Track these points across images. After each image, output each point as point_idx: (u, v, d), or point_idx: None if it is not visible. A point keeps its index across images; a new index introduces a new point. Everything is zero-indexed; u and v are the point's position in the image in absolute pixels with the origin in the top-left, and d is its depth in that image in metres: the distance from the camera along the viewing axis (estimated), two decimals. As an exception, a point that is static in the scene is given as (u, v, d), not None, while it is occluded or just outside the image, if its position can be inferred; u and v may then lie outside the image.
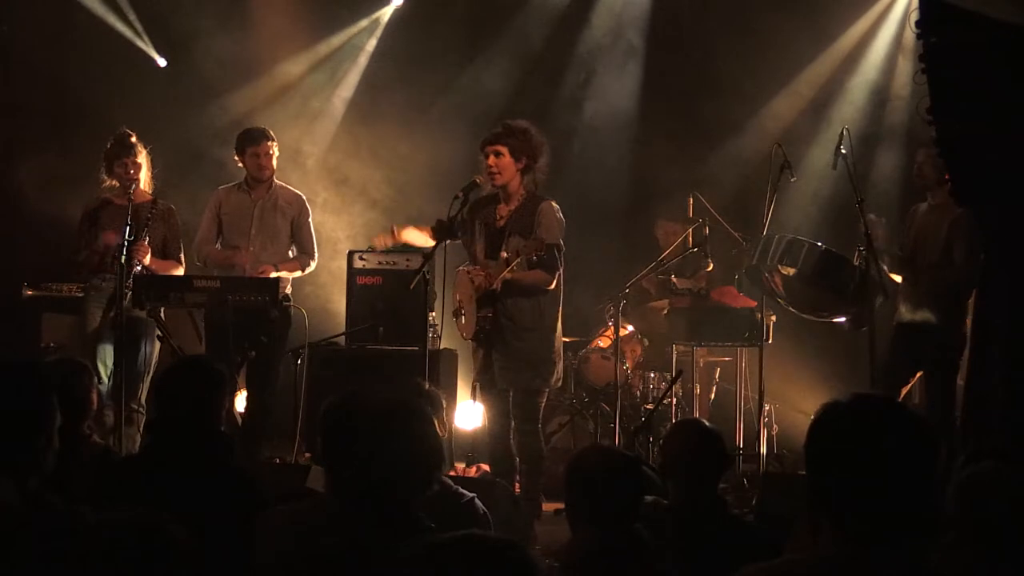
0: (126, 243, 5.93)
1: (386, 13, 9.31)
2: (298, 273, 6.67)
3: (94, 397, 4.29)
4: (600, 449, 3.46)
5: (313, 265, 6.75)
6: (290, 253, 6.67)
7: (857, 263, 5.85)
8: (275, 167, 6.65)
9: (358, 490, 2.67)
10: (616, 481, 3.10)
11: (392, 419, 2.70)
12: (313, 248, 6.71)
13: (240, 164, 6.64)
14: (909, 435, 2.01)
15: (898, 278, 6.14)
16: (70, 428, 3.06)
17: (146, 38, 8.90)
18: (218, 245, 6.64)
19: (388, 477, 2.63)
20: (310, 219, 6.75)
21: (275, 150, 6.63)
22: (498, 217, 5.75)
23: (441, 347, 7.06)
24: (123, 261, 5.86)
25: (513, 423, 5.73)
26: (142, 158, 6.41)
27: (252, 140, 6.59)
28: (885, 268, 5.93)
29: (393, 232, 6.10)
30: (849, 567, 1.98)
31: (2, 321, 7.59)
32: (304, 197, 6.80)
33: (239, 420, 6.31)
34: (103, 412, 5.89)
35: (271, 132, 6.67)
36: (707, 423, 3.96)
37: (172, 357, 5.71)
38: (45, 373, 2.84)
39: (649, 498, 3.46)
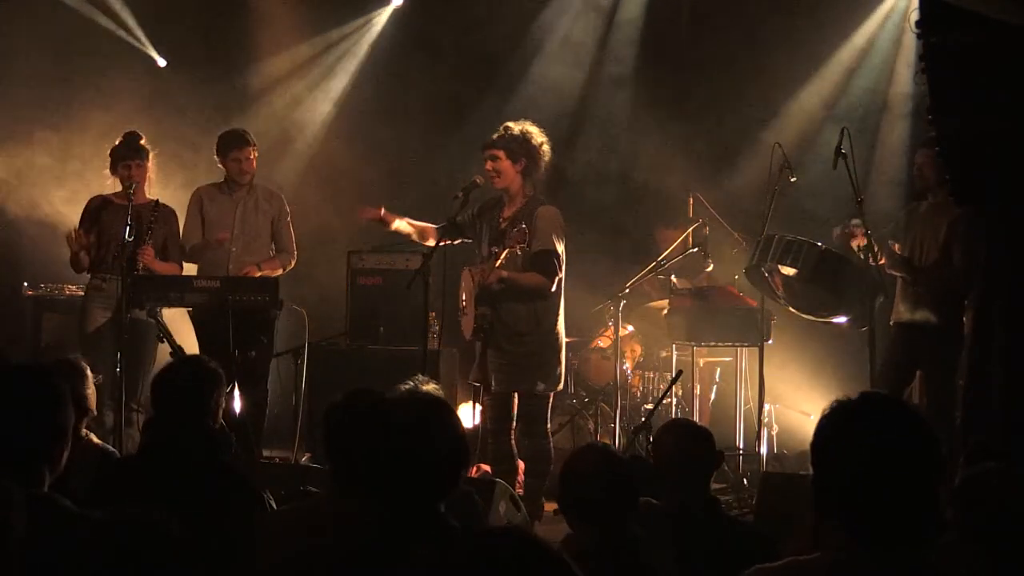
0: (126, 243, 5.93)
1: (385, 12, 9.32)
2: (279, 272, 6.67)
3: (91, 398, 4.28)
4: (594, 449, 3.45)
5: (293, 263, 6.78)
6: (270, 252, 6.70)
7: (857, 263, 5.84)
8: (255, 170, 6.69)
9: (381, 491, 2.54)
10: (610, 481, 3.10)
11: (420, 417, 2.61)
12: (292, 245, 6.77)
13: (220, 166, 6.68)
14: (915, 435, 2.01)
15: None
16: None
17: (146, 38, 8.90)
18: None
19: (415, 477, 2.52)
20: (288, 217, 6.79)
21: (255, 154, 6.69)
22: (501, 219, 5.78)
23: (441, 347, 7.06)
24: (123, 261, 5.87)
25: (519, 425, 5.75)
26: (147, 161, 6.43)
27: (235, 144, 6.62)
28: (883, 259, 5.92)
29: (382, 213, 6.01)
30: (855, 568, 1.99)
31: (2, 321, 7.59)
32: (283, 196, 6.85)
33: (236, 419, 6.31)
34: (103, 412, 5.90)
35: (252, 137, 6.70)
36: (696, 423, 3.96)
37: (172, 357, 5.71)
38: (60, 377, 2.84)
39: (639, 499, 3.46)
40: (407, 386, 3.88)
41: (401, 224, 6.05)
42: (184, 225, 6.65)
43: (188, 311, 6.45)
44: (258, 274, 6.41)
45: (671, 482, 3.53)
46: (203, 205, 6.67)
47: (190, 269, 6.71)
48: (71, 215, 6.99)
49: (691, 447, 3.54)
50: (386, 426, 2.58)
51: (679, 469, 3.50)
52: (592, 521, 3.07)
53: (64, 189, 7.83)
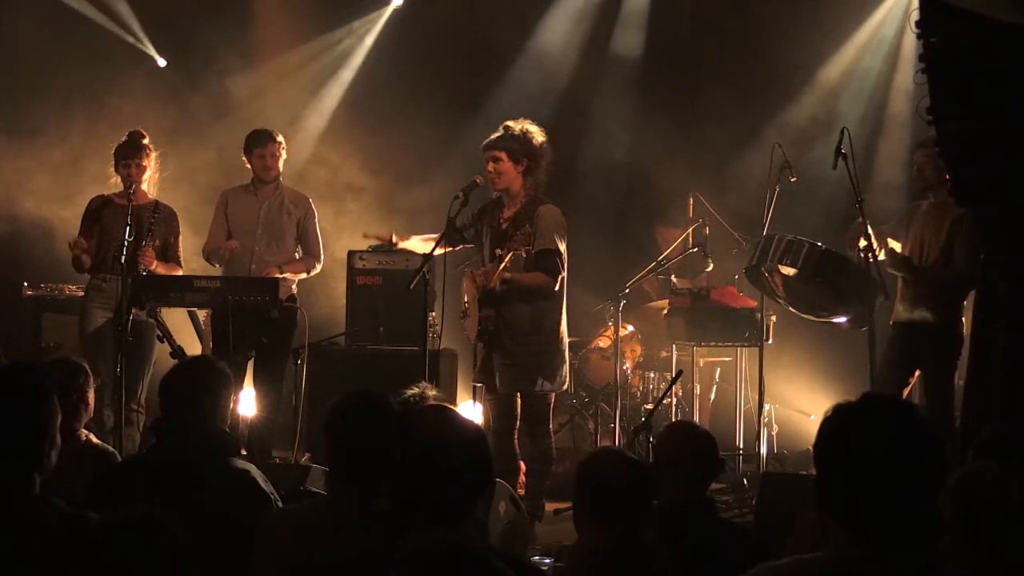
0: (126, 243, 5.93)
1: (385, 13, 9.33)
2: (303, 275, 6.69)
3: (90, 397, 4.28)
4: (613, 452, 3.48)
5: (319, 267, 6.79)
6: (297, 255, 6.71)
7: (857, 263, 5.84)
8: (281, 169, 6.70)
9: (404, 506, 2.44)
10: (628, 484, 3.10)
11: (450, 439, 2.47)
12: (319, 250, 6.75)
13: (247, 165, 6.69)
14: (918, 436, 2.02)
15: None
16: (66, 429, 3.04)
17: (146, 38, 8.91)
18: None
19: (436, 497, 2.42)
20: (316, 221, 6.78)
21: (282, 152, 6.70)
22: (502, 220, 5.77)
23: (441, 347, 7.06)
24: (123, 261, 5.87)
25: (522, 425, 5.75)
26: (148, 161, 6.43)
27: (258, 141, 6.65)
28: (880, 252, 5.92)
29: (391, 238, 6.14)
30: (858, 566, 1.99)
31: (2, 321, 7.59)
32: (310, 200, 6.83)
33: (240, 420, 6.31)
34: (103, 412, 5.90)
35: (277, 134, 6.71)
36: (701, 427, 3.97)
37: (172, 357, 5.71)
38: (46, 374, 2.83)
39: None
40: (414, 391, 3.87)
41: (411, 243, 6.13)
42: (211, 228, 6.70)
43: (204, 315, 6.47)
44: (278, 275, 6.39)
45: (669, 482, 3.54)
46: (228, 206, 6.69)
47: (209, 269, 6.74)
48: (71, 215, 6.98)
49: (695, 453, 3.54)
50: (415, 442, 2.48)
51: (680, 471, 3.51)
52: (608, 522, 3.07)
53: (64, 189, 7.82)
